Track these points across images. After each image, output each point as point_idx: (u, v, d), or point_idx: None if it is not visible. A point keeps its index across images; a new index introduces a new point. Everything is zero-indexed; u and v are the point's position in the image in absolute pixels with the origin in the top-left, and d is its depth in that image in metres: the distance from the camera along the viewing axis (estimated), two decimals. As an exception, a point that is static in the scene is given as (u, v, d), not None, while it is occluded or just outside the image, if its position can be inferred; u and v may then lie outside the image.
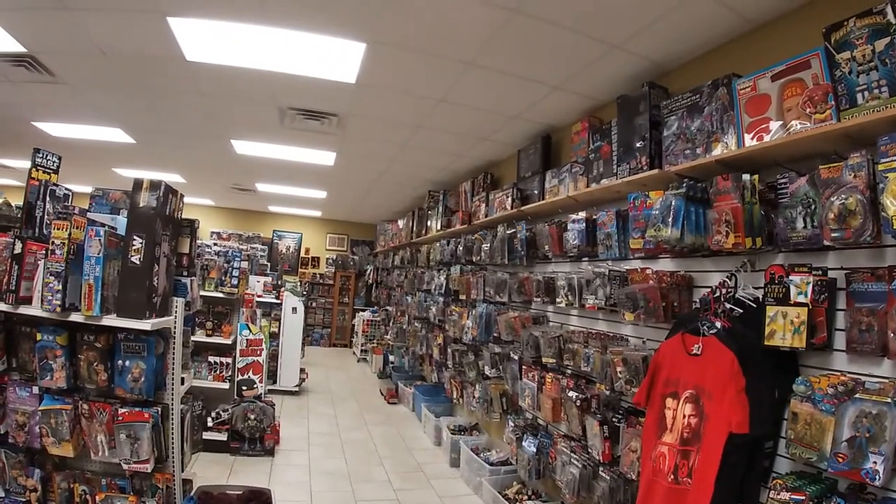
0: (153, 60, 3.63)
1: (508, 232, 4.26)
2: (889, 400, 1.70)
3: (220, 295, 5.03)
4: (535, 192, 4.16)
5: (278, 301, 7.70)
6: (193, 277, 3.08)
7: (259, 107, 4.55)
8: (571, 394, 3.23)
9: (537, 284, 3.81)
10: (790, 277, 2.04)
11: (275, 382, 7.47)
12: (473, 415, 5.78)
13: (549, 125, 4.30)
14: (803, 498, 1.88)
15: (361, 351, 11.26)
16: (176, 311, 2.77)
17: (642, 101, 2.95)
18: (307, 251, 13.10)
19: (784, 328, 2.02)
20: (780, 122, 2.20)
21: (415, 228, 7.98)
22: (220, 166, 7.28)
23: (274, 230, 12.78)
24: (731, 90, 2.42)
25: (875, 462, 1.68)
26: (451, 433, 5.54)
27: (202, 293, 4.73)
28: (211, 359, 5.13)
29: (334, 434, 6.10)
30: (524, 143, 4.61)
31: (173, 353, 2.72)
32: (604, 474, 3.02)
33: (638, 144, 2.92)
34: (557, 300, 3.54)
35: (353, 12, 2.86)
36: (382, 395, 8.15)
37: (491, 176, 5.50)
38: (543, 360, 3.53)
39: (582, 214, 3.31)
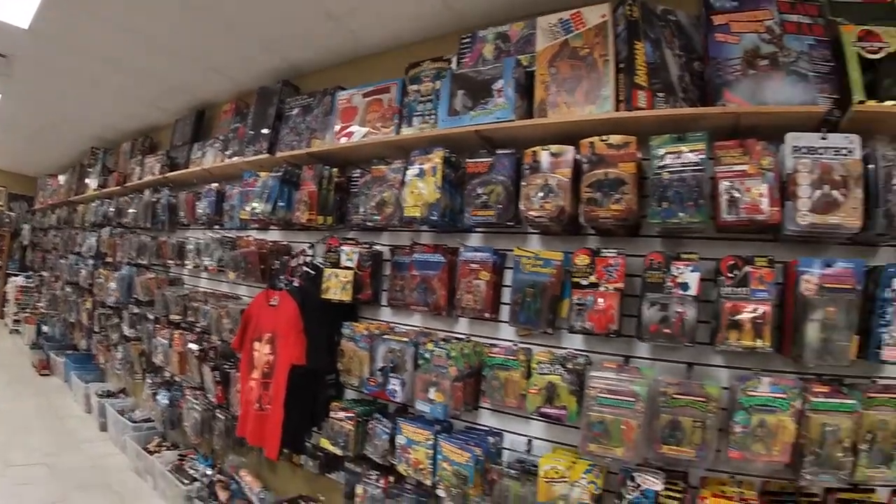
0: None
1: (154, 197, 4.15)
2: (407, 340, 2.26)
3: None
4: (184, 161, 4.12)
5: None
6: None
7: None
8: (192, 346, 3.36)
9: (172, 248, 3.83)
10: (341, 248, 2.52)
11: None
12: (122, 380, 5.44)
13: (207, 101, 4.28)
14: (353, 415, 2.39)
15: (14, 321, 9.36)
16: None
17: (275, 95, 3.21)
18: (-46, 202, 10.24)
19: (336, 286, 2.49)
20: (362, 130, 2.66)
21: (74, 186, 6.99)
22: None
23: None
24: (334, 99, 2.83)
25: (395, 385, 2.23)
26: (99, 398, 5.17)
27: None
28: None
29: (-20, 407, 5.17)
30: (184, 113, 4.49)
31: None
32: (219, 415, 3.25)
33: (264, 131, 3.17)
34: (187, 262, 3.63)
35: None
36: (34, 366, 7.08)
37: (151, 140, 5.20)
38: (171, 317, 3.58)
39: (213, 186, 3.45)
